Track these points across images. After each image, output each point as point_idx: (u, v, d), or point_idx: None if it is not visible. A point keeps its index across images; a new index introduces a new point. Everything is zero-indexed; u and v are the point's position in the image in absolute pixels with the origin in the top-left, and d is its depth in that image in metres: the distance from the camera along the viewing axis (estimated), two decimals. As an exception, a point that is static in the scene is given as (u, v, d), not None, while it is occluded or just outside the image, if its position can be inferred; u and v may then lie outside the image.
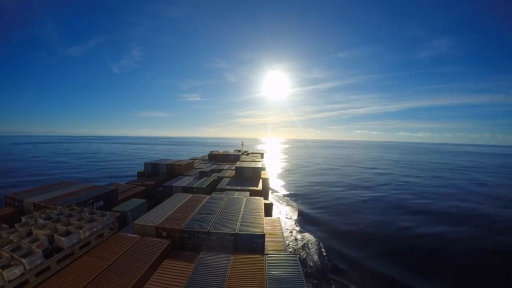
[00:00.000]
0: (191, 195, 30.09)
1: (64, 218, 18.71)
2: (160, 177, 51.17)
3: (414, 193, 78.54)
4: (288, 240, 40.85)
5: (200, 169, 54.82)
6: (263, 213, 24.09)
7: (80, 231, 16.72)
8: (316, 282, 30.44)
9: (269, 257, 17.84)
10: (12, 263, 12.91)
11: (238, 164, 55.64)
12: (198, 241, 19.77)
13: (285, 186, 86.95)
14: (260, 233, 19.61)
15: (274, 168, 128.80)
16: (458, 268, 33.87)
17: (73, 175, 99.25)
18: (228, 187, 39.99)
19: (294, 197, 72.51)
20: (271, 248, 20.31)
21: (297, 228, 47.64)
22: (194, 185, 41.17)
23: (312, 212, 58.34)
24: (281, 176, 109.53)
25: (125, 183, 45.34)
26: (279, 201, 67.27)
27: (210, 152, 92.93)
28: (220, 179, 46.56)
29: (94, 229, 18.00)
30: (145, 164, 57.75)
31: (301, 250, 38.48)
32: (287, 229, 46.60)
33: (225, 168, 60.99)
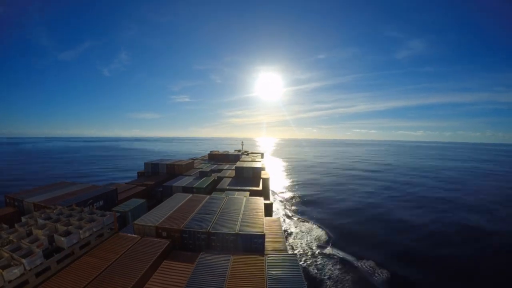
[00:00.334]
0: (191, 195, 30.08)
1: (64, 218, 18.70)
2: (160, 177, 51.16)
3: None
4: (288, 240, 40.89)
5: (200, 169, 54.81)
6: (263, 213, 24.08)
7: (80, 231, 16.71)
8: (315, 280, 30.50)
9: (269, 257, 17.82)
10: (12, 263, 12.90)
11: (238, 164, 55.63)
12: (198, 241, 19.76)
13: (290, 187, 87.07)
14: (260, 233, 19.61)
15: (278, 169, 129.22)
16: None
17: (73, 175, 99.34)
18: (228, 187, 39.98)
19: (296, 197, 72.56)
20: (271, 248, 20.26)
21: (298, 229, 47.68)
22: (194, 185, 41.17)
23: (314, 212, 58.42)
24: (285, 176, 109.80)
25: (125, 183, 45.35)
26: (279, 201, 67.29)
27: (210, 152, 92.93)
28: (220, 179, 46.54)
29: (94, 229, 17.99)
30: (145, 164, 57.72)
31: (301, 250, 38.51)
32: (287, 229, 46.62)
33: (225, 168, 60.97)
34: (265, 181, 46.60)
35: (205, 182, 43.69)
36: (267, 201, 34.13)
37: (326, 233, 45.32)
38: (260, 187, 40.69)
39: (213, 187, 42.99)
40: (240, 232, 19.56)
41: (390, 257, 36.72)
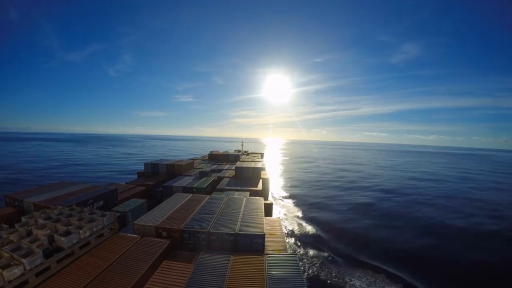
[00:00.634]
0: (191, 195, 30.08)
1: (64, 218, 18.70)
2: (160, 177, 51.12)
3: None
4: (287, 240, 40.87)
5: (200, 169, 54.79)
6: (263, 213, 24.08)
7: (80, 231, 16.72)
8: (315, 280, 30.47)
9: (269, 257, 17.83)
10: (12, 263, 12.91)
11: (238, 164, 55.62)
12: (198, 241, 19.76)
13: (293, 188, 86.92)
14: (260, 233, 19.61)
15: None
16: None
17: (73, 175, 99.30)
18: (228, 187, 39.97)
19: (297, 198, 72.51)
20: (271, 248, 20.27)
21: (298, 229, 47.65)
22: (194, 185, 41.15)
23: (314, 213, 58.38)
24: (287, 176, 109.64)
25: (125, 183, 45.31)
26: (279, 201, 67.29)
27: (210, 152, 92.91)
28: (220, 179, 46.54)
29: (94, 229, 18.00)
30: (145, 164, 57.67)
31: (301, 250, 38.50)
32: (287, 228, 46.61)
33: (225, 168, 60.95)
34: (265, 181, 46.62)
35: (205, 182, 43.69)
36: (267, 201, 34.17)
37: (326, 233, 45.33)
38: (260, 187, 40.70)
39: (213, 187, 42.98)
40: (240, 232, 19.56)
41: (403, 263, 35.31)
